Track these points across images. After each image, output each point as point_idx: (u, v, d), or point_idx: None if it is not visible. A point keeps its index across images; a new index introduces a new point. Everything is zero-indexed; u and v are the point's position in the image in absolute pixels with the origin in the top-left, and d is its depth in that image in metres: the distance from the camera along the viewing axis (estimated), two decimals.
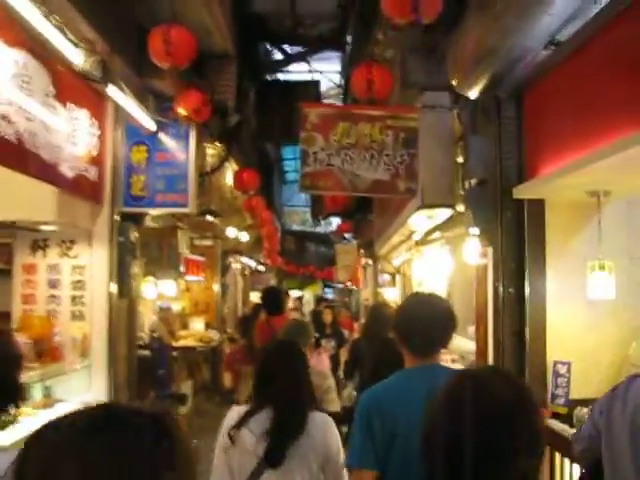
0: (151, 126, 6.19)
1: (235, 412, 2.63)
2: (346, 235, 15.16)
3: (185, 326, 12.12)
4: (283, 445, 2.46)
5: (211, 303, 12.38)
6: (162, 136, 6.37)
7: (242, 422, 2.54)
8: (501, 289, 4.44)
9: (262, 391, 2.64)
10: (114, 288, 5.89)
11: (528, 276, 4.36)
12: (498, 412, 1.27)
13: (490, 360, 4.49)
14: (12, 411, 1.81)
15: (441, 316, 2.32)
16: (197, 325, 12.06)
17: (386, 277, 10.93)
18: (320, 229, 22.63)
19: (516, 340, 4.38)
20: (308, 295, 29.84)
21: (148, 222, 6.65)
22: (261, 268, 19.36)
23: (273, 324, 6.42)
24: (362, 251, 14.37)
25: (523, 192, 4.35)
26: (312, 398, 2.75)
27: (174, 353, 9.54)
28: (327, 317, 8.83)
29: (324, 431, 2.57)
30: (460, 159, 4.77)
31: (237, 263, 15.87)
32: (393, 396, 2.22)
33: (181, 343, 10.11)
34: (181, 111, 5.89)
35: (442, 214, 5.12)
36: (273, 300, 6.55)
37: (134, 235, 6.39)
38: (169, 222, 9.86)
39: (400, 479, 2.12)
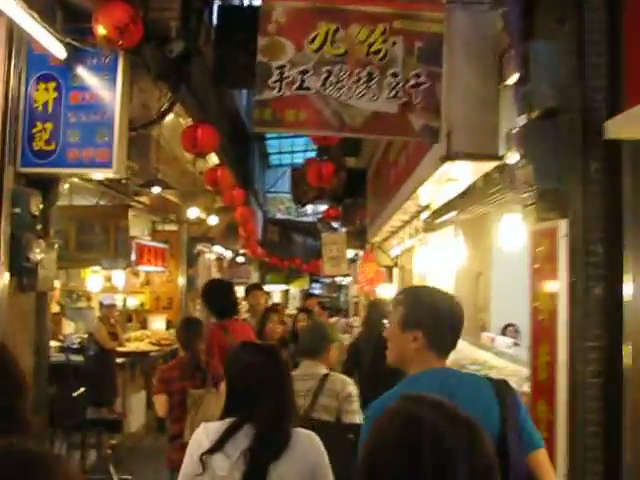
0: (60, 53, 4.45)
1: (204, 431, 2.24)
2: (334, 224, 13.39)
3: (145, 325, 10.34)
4: (264, 468, 2.12)
5: (175, 298, 10.58)
6: (78, 69, 4.67)
7: (220, 444, 2.15)
8: (582, 288, 2.69)
9: (239, 406, 2.25)
10: (6, 279, 4.21)
11: (630, 268, 2.62)
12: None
13: (562, 400, 2.74)
14: None
15: (460, 313, 2.05)
16: (157, 324, 10.27)
17: (381, 271, 9.16)
18: (307, 219, 20.91)
19: (607, 369, 2.64)
20: (294, 290, 28.17)
21: (74, 192, 4.91)
22: (240, 259, 17.53)
23: (231, 331, 4.71)
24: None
25: (621, 129, 2.62)
26: (294, 412, 2.41)
27: (120, 360, 7.76)
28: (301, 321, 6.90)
29: (310, 450, 2.21)
30: (511, 80, 3.02)
31: (210, 253, 14.06)
32: None
33: (132, 347, 8.30)
34: (100, 30, 4.12)
35: (475, 171, 3.36)
36: (220, 297, 4.83)
37: (37, 206, 4.64)
38: (115, 198, 8.10)
39: None
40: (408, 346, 1.95)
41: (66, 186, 5.11)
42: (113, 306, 7.47)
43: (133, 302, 10.42)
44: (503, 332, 5.76)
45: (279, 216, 21.13)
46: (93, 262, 8.11)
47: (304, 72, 3.06)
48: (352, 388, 3.39)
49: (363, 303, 11.83)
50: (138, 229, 10.77)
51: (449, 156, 3.11)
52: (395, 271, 8.22)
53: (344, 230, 12.87)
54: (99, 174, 4.64)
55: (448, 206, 4.86)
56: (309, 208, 22.34)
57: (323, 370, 3.37)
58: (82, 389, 5.78)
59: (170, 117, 6.18)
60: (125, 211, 8.20)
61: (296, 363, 3.80)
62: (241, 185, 10.74)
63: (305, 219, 20.69)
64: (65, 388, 6.77)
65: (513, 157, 2.92)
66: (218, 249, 12.91)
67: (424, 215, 5.36)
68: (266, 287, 24.79)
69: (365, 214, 10.27)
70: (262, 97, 3.08)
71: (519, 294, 6.34)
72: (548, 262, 2.88)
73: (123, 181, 5.92)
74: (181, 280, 10.72)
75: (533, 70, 2.84)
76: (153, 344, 8.99)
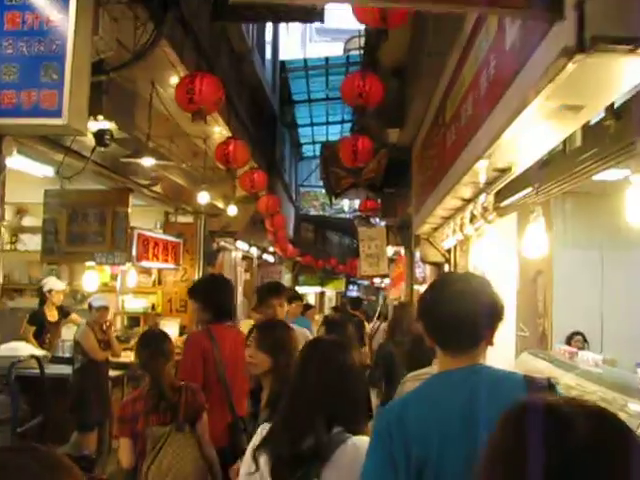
0: None
1: (261, 429, 2.13)
2: (372, 220, 11.94)
3: None
4: (308, 473, 1.94)
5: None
6: None
7: (264, 442, 2.06)
8: None
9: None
10: None
11: None
12: None
13: None
14: None
15: (482, 299, 1.68)
16: (170, 329, 8.97)
17: (426, 270, 7.70)
18: (344, 216, 19.51)
19: None
20: (330, 292, 26.73)
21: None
22: (269, 258, 16.21)
23: (218, 338, 3.44)
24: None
25: None
26: (355, 417, 2.04)
27: (114, 373, 6.51)
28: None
29: (354, 462, 1.82)
30: None
31: (236, 250, 12.78)
32: (421, 411, 1.64)
33: (130, 357, 7.03)
34: None
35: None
36: (220, 293, 3.70)
37: None
38: (110, 181, 6.83)
39: None
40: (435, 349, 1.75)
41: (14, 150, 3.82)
42: (105, 309, 6.19)
43: (142, 304, 9.18)
44: (568, 342, 4.84)
45: (313, 213, 19.73)
46: (86, 256, 6.88)
47: None
48: None
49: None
50: (149, 221, 9.54)
51: (582, 47, 1.68)
52: (446, 269, 6.79)
53: (383, 224, 11.43)
54: (44, 125, 3.33)
55: (531, 175, 3.44)
56: (345, 204, 20.96)
57: None
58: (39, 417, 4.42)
59: (168, 72, 4.89)
60: (125, 196, 6.94)
61: None
62: (264, 170, 9.43)
63: (342, 216, 19.28)
64: (42, 407, 5.57)
65: None
66: (241, 245, 11.59)
67: (483, 198, 3.93)
68: (300, 289, 23.68)
69: (408, 205, 8.81)
70: None
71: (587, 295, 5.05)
72: None
73: (102, 149, 4.60)
74: (197, 278, 9.43)
75: None
76: None
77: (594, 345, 4.96)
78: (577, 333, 5.10)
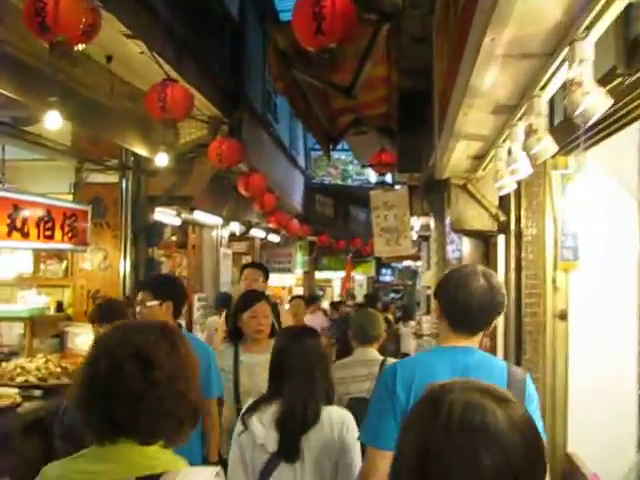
0: None
1: (250, 401, 2.58)
2: (387, 179, 8.72)
3: (63, 342, 6.14)
4: (293, 439, 2.38)
5: (114, 295, 6.27)
6: None
7: (253, 409, 2.48)
8: None
9: (273, 382, 2.55)
10: None
11: None
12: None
13: None
14: None
15: (493, 295, 2.03)
16: (83, 338, 6.03)
17: (464, 246, 4.42)
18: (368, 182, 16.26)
19: None
20: (360, 277, 23.51)
21: None
22: (274, 238, 13.13)
23: None
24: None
25: None
26: (329, 391, 2.56)
27: None
28: None
29: (340, 427, 2.42)
30: None
31: (220, 229, 9.72)
32: (421, 372, 1.99)
33: None
34: None
35: None
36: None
37: None
38: None
39: None
40: (440, 323, 2.13)
41: None
42: None
43: (43, 301, 6.22)
44: None
45: (330, 181, 16.44)
46: None
47: None
48: None
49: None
50: (59, 183, 6.60)
51: None
52: (501, 242, 3.52)
53: (404, 188, 8.16)
54: None
55: None
56: (371, 174, 17.65)
57: (379, 356, 3.61)
58: None
59: None
60: None
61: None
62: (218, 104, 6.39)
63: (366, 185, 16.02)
64: None
65: None
66: (206, 218, 8.42)
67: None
68: (322, 274, 20.53)
69: (432, 147, 5.55)
70: None
71: None
72: None
73: None
74: (124, 266, 6.41)
75: None
76: (43, 380, 4.82)
77: None
78: None
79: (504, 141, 2.55)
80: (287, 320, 4.61)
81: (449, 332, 2.06)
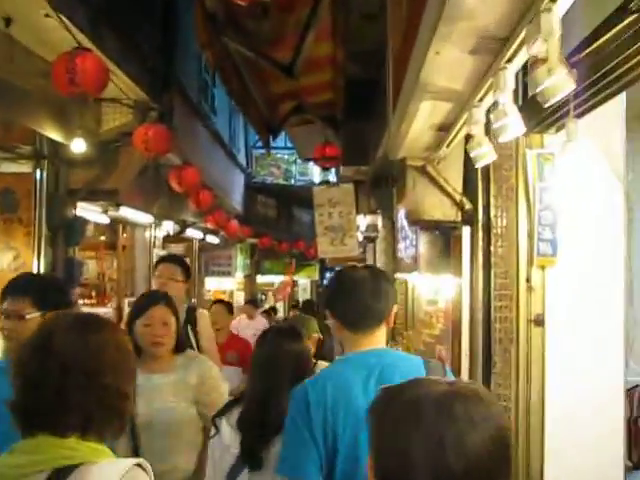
0: None
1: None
2: (331, 178, 8.21)
3: None
4: (252, 444, 2.29)
5: None
6: None
7: (222, 411, 2.44)
8: None
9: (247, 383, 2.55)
10: None
11: None
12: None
13: None
14: None
15: (382, 285, 1.99)
16: None
17: (419, 242, 3.92)
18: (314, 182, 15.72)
19: None
20: (303, 281, 22.96)
21: None
22: (212, 239, 12.43)
23: None
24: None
25: None
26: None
27: None
28: None
29: None
30: None
31: (153, 229, 9.00)
32: (333, 386, 1.85)
33: None
34: None
35: None
36: None
37: None
38: None
39: None
40: (340, 333, 2.01)
41: None
42: None
43: None
44: None
45: (272, 181, 15.83)
46: None
47: None
48: None
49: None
50: None
51: None
52: (466, 235, 3.01)
53: (349, 186, 7.65)
54: None
55: None
56: (315, 172, 17.15)
57: None
58: None
59: None
60: None
61: None
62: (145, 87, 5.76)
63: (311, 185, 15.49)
64: None
65: None
66: (134, 215, 7.68)
67: None
68: (264, 278, 19.90)
69: (382, 138, 5.05)
70: None
71: None
72: None
73: None
74: (39, 268, 5.67)
75: None
76: None
77: None
78: None
79: (481, 99, 2.05)
80: (206, 330, 3.85)
81: (350, 335, 1.98)
